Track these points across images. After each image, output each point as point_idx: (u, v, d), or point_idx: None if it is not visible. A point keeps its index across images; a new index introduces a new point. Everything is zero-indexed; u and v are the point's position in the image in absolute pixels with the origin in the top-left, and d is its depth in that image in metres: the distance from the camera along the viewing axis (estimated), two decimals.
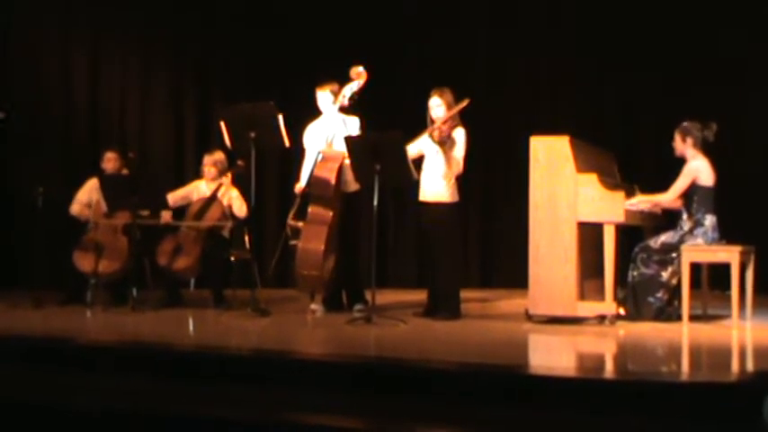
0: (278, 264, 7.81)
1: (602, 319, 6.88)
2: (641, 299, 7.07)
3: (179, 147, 10.44)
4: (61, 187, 8.53)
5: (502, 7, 10.23)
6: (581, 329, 6.78)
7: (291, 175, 8.52)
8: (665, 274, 7.03)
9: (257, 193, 7.57)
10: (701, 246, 6.98)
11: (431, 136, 7.26)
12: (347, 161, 7.37)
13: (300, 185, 7.68)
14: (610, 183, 7.08)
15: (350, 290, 7.73)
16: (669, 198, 7.16)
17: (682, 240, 7.01)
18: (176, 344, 6.12)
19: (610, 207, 6.84)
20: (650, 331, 6.68)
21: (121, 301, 7.95)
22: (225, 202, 8.24)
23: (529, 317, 7.03)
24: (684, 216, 7.11)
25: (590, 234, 6.99)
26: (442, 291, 7.34)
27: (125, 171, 8.43)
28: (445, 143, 7.25)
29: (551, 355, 6.22)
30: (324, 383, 5.03)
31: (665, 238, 7.10)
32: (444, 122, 7.22)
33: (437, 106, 7.29)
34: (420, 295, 7.79)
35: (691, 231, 7.04)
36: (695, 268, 7.01)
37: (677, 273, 6.96)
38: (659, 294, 7.04)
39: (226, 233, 8.31)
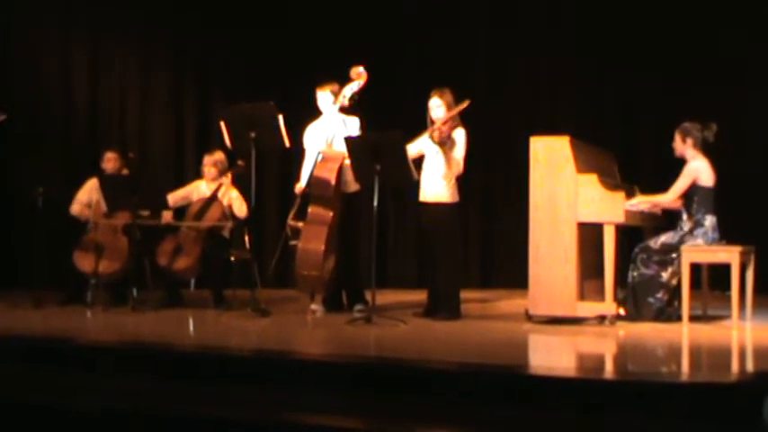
0: (278, 264, 7.81)
1: (602, 319, 6.89)
2: (641, 299, 7.07)
3: (179, 147, 10.44)
4: (61, 187, 8.53)
5: (502, 7, 10.23)
6: (581, 330, 6.78)
7: (291, 176, 8.52)
8: (665, 275, 7.04)
9: (257, 194, 7.57)
10: (701, 246, 6.98)
11: (431, 137, 7.26)
12: (347, 161, 7.37)
13: (300, 186, 7.68)
14: (610, 183, 7.08)
15: (350, 290, 7.73)
16: (669, 199, 7.16)
17: (682, 241, 7.02)
18: (176, 344, 6.12)
19: (610, 207, 6.84)
20: (650, 332, 6.68)
21: (122, 302, 7.95)
22: (225, 203, 8.24)
23: (529, 317, 7.03)
24: (684, 216, 7.11)
25: (590, 234, 6.99)
26: (442, 291, 7.34)
27: (125, 171, 8.43)
28: (445, 144, 7.25)
29: (551, 355, 6.22)
30: (324, 384, 5.03)
31: (665, 238, 7.10)
32: (444, 123, 7.22)
33: (437, 107, 7.29)
34: (420, 295, 7.79)
35: (691, 232, 7.04)
36: (695, 269, 7.02)
37: (677, 273, 6.96)
38: (659, 295, 7.04)
39: (226, 233, 8.31)
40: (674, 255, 7.01)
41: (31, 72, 10.12)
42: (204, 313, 7.72)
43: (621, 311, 7.02)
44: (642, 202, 7.26)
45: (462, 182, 7.44)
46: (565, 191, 6.90)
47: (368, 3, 10.17)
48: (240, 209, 8.21)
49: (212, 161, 8.37)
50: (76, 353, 5.82)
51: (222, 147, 8.21)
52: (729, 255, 6.87)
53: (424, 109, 7.39)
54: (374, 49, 9.30)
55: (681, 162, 7.15)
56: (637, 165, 9.40)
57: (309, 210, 7.52)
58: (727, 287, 6.89)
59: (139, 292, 7.86)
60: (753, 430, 4.23)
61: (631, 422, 4.35)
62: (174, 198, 8.25)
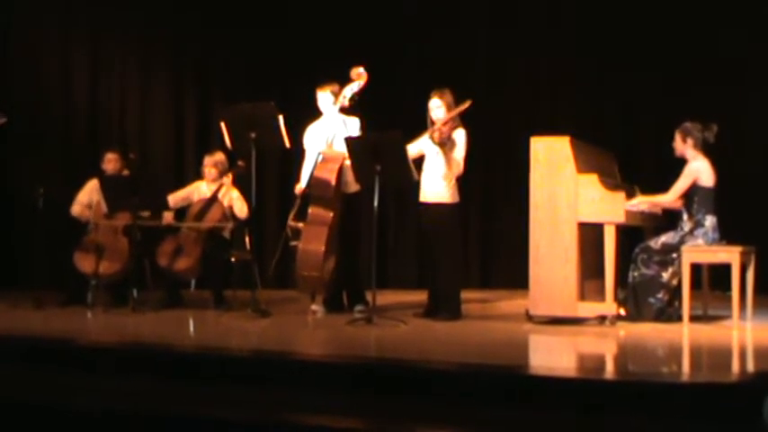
0: (278, 265, 7.82)
1: (602, 319, 6.89)
2: (642, 299, 7.07)
3: (179, 147, 10.44)
4: (61, 188, 8.53)
5: (502, 7, 10.23)
6: (581, 330, 6.78)
7: (292, 176, 8.52)
8: (665, 275, 7.03)
9: (258, 194, 7.57)
10: (701, 246, 6.98)
11: (431, 137, 7.25)
12: (347, 162, 7.37)
13: (301, 186, 7.68)
14: (610, 183, 7.07)
15: (350, 291, 7.73)
16: (670, 199, 7.16)
17: (682, 241, 7.02)
18: (177, 345, 6.13)
19: (610, 207, 6.84)
20: (651, 332, 6.68)
21: (122, 302, 7.95)
22: (225, 203, 8.24)
23: (529, 317, 7.03)
24: (685, 217, 7.11)
25: (590, 234, 6.99)
26: (442, 291, 7.34)
27: (126, 172, 8.43)
28: (445, 144, 7.24)
29: (552, 355, 6.22)
30: (324, 384, 5.03)
31: (665, 238, 7.10)
32: (444, 124, 7.22)
33: (437, 107, 7.29)
34: (420, 296, 7.79)
35: (691, 232, 7.04)
36: (696, 269, 7.02)
37: (678, 273, 6.96)
38: (660, 295, 7.04)
39: (226, 234, 8.31)
40: (674, 255, 7.01)
41: (31, 72, 10.12)
42: (204, 314, 7.72)
43: (622, 312, 7.02)
44: (642, 203, 7.26)
45: (462, 182, 7.44)
46: (565, 191, 6.90)
47: (368, 3, 10.17)
48: (241, 209, 8.21)
49: (213, 162, 8.37)
50: (77, 353, 5.82)
51: (222, 147, 8.21)
52: (730, 255, 6.87)
53: (424, 109, 7.39)
54: (374, 50, 9.30)
55: (681, 162, 7.15)
56: (637, 165, 9.40)
57: (310, 210, 7.52)
58: (728, 287, 6.89)
59: (140, 292, 7.86)
60: (753, 430, 4.23)
61: (632, 422, 4.35)
62: (174, 199, 8.25)
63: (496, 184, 10.18)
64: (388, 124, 7.77)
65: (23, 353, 5.86)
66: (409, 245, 10.20)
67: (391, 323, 6.86)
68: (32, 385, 5.37)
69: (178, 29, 10.41)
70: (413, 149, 7.29)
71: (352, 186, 7.60)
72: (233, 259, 8.17)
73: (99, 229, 8.28)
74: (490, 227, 10.26)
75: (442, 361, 5.40)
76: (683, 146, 7.14)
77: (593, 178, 6.89)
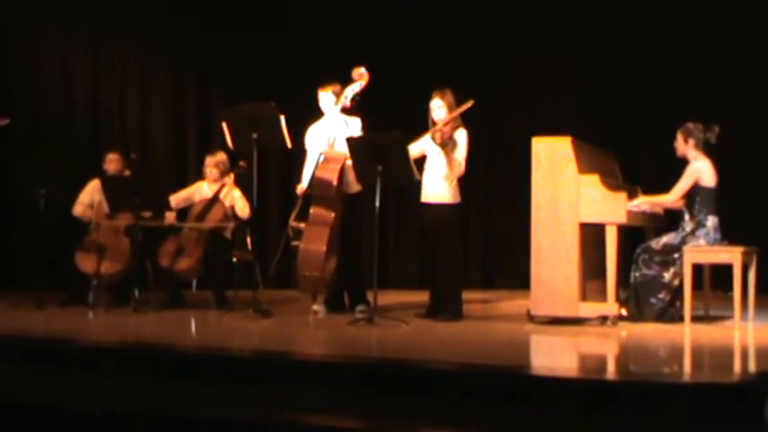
0: (280, 265, 7.81)
1: (604, 319, 6.88)
2: (643, 300, 7.07)
3: (180, 147, 10.44)
4: (62, 188, 8.52)
5: (502, 7, 10.22)
6: (583, 330, 6.78)
7: (293, 176, 8.52)
8: (666, 275, 7.03)
9: (259, 194, 7.57)
10: (703, 247, 6.98)
11: (432, 138, 7.25)
12: (349, 162, 7.37)
13: (302, 186, 7.68)
14: (612, 184, 7.07)
15: (352, 291, 7.73)
16: (671, 199, 7.16)
17: (684, 241, 7.01)
18: (178, 345, 6.13)
19: (612, 208, 6.84)
20: (652, 332, 6.68)
21: (123, 302, 7.95)
22: (227, 203, 8.24)
23: (531, 318, 7.02)
24: (686, 217, 7.11)
25: (592, 235, 6.98)
26: (443, 292, 7.33)
27: (127, 172, 8.43)
28: (447, 145, 7.24)
29: (553, 355, 6.22)
30: (325, 384, 5.03)
31: (666, 239, 7.10)
32: (446, 124, 7.22)
33: (438, 108, 7.29)
34: (422, 296, 7.79)
35: (693, 232, 7.04)
36: (697, 269, 7.02)
37: (679, 274, 6.96)
38: (661, 295, 7.04)
39: (228, 234, 8.31)
40: (675, 255, 7.00)
41: (31, 72, 10.12)
42: (206, 314, 7.71)
43: (623, 312, 7.01)
44: (644, 203, 7.25)
45: (464, 182, 7.44)
46: (567, 191, 6.89)
47: (368, 3, 10.16)
48: (243, 209, 8.20)
49: (214, 162, 8.37)
50: (78, 353, 5.82)
51: (224, 147, 8.21)
52: (731, 255, 6.87)
53: (425, 109, 7.38)
54: (375, 50, 9.30)
55: (682, 162, 7.15)
56: (638, 165, 9.39)
57: (311, 210, 7.51)
58: (729, 288, 6.89)
59: (141, 292, 7.86)
60: (754, 431, 4.23)
61: (633, 423, 4.35)
62: (176, 199, 8.25)
63: (497, 184, 10.18)
64: (389, 124, 7.77)
65: (24, 353, 5.86)
66: (410, 245, 10.20)
67: (392, 323, 6.86)
68: (33, 385, 5.37)
69: (178, 29, 10.41)
70: (414, 149, 7.28)
71: (354, 186, 7.60)
72: (234, 259, 8.16)
73: (100, 230, 8.29)
74: (491, 227, 10.27)
75: (444, 361, 5.40)
76: (685, 146, 7.14)
77: (594, 179, 6.89)
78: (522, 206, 7.24)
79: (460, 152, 7.28)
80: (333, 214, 7.47)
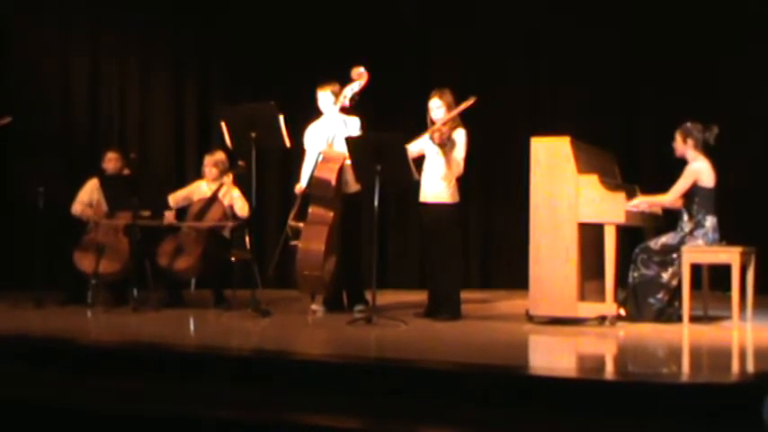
0: (278, 264, 7.82)
1: (602, 320, 6.89)
2: (642, 300, 7.07)
3: (179, 147, 10.44)
4: (62, 187, 8.52)
5: (502, 7, 10.22)
6: (581, 330, 6.78)
7: (292, 176, 8.53)
8: (665, 275, 7.04)
9: (258, 194, 7.57)
10: (701, 247, 6.98)
11: (431, 138, 7.25)
12: (348, 162, 7.37)
13: (301, 186, 7.68)
14: (611, 183, 7.07)
15: (350, 290, 7.73)
16: (670, 199, 7.17)
17: (682, 241, 7.02)
18: (177, 344, 6.12)
19: (611, 208, 6.84)
20: (651, 332, 6.68)
21: (122, 302, 7.95)
22: (226, 203, 8.24)
23: (529, 317, 7.03)
24: (685, 217, 7.11)
25: (590, 235, 6.99)
26: (442, 291, 7.34)
27: (126, 171, 8.44)
28: (445, 145, 7.24)
29: (552, 355, 6.22)
30: (324, 384, 5.04)
31: (665, 239, 7.10)
32: (444, 124, 7.22)
33: (437, 107, 7.29)
34: (420, 296, 7.79)
35: (691, 232, 7.04)
36: (696, 269, 7.02)
37: (678, 274, 6.97)
38: (660, 295, 7.04)
39: (226, 233, 8.32)
40: (674, 255, 7.01)
41: (31, 72, 10.12)
42: (205, 313, 7.72)
43: (622, 312, 7.01)
44: (642, 202, 7.25)
45: (462, 182, 7.44)
46: (565, 191, 6.89)
47: (368, 3, 10.16)
48: (242, 209, 8.21)
49: (213, 161, 8.38)
50: (77, 353, 5.82)
51: (223, 147, 8.22)
52: (730, 255, 6.87)
53: (424, 109, 7.39)
54: (374, 49, 9.30)
55: (681, 162, 7.15)
56: (637, 165, 9.40)
57: (310, 210, 7.52)
58: (728, 288, 6.89)
59: (140, 292, 7.85)
60: (753, 431, 4.23)
61: (631, 423, 4.36)
62: (175, 199, 8.26)
63: (496, 184, 10.17)
64: (388, 124, 7.78)
65: (23, 353, 5.86)
66: (409, 245, 10.20)
67: (391, 323, 6.86)
68: (32, 385, 5.37)
69: (178, 29, 10.41)
70: (413, 149, 7.29)
71: (353, 186, 7.60)
72: (233, 259, 8.17)
73: (99, 229, 8.29)
74: (490, 227, 10.27)
75: (442, 361, 5.40)
76: (684, 146, 7.14)
77: (593, 179, 6.89)
78: (520, 206, 7.24)
79: (459, 152, 7.28)
80: (331, 214, 7.48)
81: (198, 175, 8.72)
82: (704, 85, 9.39)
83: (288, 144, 7.44)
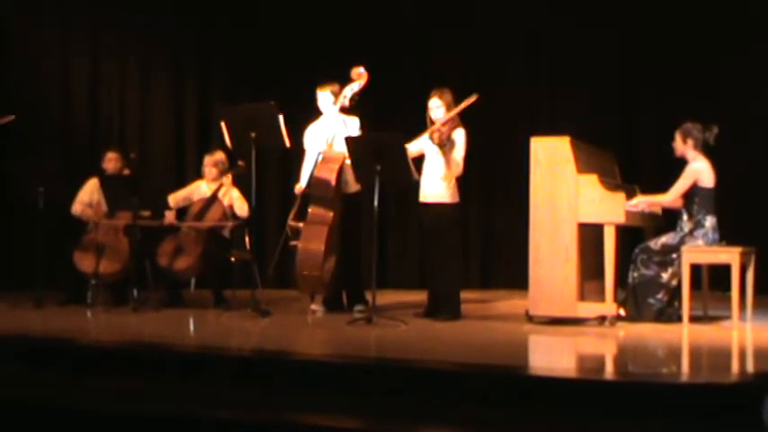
0: (278, 264, 7.82)
1: (602, 320, 6.89)
2: (641, 300, 7.07)
3: (179, 147, 10.44)
4: (62, 187, 8.52)
5: (502, 7, 10.22)
6: (581, 330, 6.78)
7: (292, 176, 8.52)
8: (665, 276, 7.04)
9: (258, 194, 7.57)
10: (701, 247, 6.98)
11: (431, 138, 7.25)
12: (348, 162, 7.37)
13: (301, 186, 7.68)
14: (610, 183, 7.08)
15: (350, 290, 7.73)
16: (669, 199, 7.17)
17: (682, 242, 7.02)
18: (177, 344, 6.13)
19: (610, 208, 6.84)
20: (650, 332, 6.68)
21: (122, 302, 7.95)
22: (226, 203, 8.24)
23: (529, 318, 7.03)
24: (685, 217, 7.12)
25: (590, 235, 6.99)
26: (442, 291, 7.34)
27: (126, 171, 8.44)
28: (445, 145, 7.24)
29: (551, 355, 6.22)
30: (324, 384, 5.04)
31: (665, 239, 7.11)
32: (444, 124, 7.22)
33: (437, 107, 7.29)
34: (420, 296, 7.79)
35: (691, 233, 7.04)
36: (695, 269, 7.02)
37: (677, 274, 6.97)
38: (659, 295, 7.04)
39: (226, 233, 8.32)
40: (674, 255, 7.01)
41: (31, 72, 10.12)
42: (204, 313, 7.72)
43: (622, 312, 7.02)
44: (642, 202, 7.25)
45: (462, 182, 7.44)
46: (565, 191, 6.90)
47: (368, 3, 10.16)
48: (242, 209, 8.21)
49: (213, 161, 8.38)
50: (77, 353, 5.82)
51: (223, 147, 8.22)
52: (730, 255, 6.87)
53: (424, 109, 7.39)
54: (374, 49, 9.30)
55: (681, 162, 7.15)
56: (637, 165, 9.40)
57: (310, 210, 7.52)
58: (728, 288, 6.89)
59: (140, 292, 7.85)
60: (753, 431, 4.23)
61: (631, 423, 4.36)
62: (175, 199, 8.26)
63: (496, 184, 10.17)
64: (388, 124, 7.77)
65: (23, 353, 5.86)
66: (409, 245, 10.20)
67: (391, 323, 6.87)
68: (32, 385, 5.37)
69: (178, 29, 10.41)
70: (413, 148, 7.29)
71: (353, 186, 7.60)
72: (233, 259, 8.17)
73: (99, 229, 8.29)
74: (490, 227, 10.27)
75: (442, 361, 5.40)
76: (684, 146, 7.14)
77: (593, 179, 6.89)
78: (520, 206, 7.24)
79: (459, 152, 7.28)
80: (331, 214, 7.48)
81: (198, 175, 8.72)
82: (704, 85, 9.39)
83: (288, 144, 7.44)
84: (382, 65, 8.64)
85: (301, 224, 7.52)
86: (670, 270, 7.02)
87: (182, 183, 8.92)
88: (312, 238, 7.41)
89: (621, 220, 6.85)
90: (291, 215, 7.65)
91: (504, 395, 4.69)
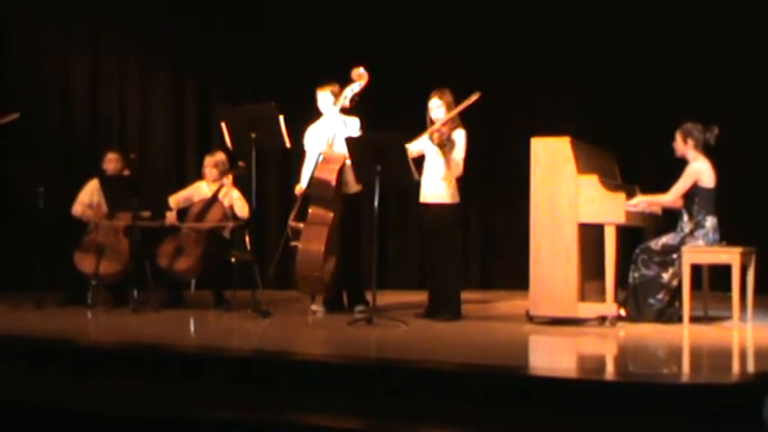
0: (279, 265, 7.81)
1: (602, 320, 6.89)
2: (642, 300, 7.07)
3: (180, 147, 10.44)
4: (62, 188, 8.52)
5: (502, 7, 10.22)
6: (582, 331, 6.78)
7: (292, 176, 8.53)
8: (665, 276, 7.04)
9: (258, 195, 7.57)
10: (701, 247, 6.98)
11: (430, 138, 7.25)
12: (348, 162, 7.37)
13: (301, 187, 7.68)
14: (611, 184, 7.07)
15: (351, 291, 7.73)
16: (669, 199, 7.17)
17: (682, 242, 7.02)
18: (177, 345, 6.13)
19: (611, 208, 6.84)
20: (651, 332, 6.68)
21: (122, 302, 7.95)
22: (226, 203, 8.24)
23: (530, 318, 7.03)
24: (685, 218, 7.11)
25: (591, 235, 6.99)
26: (442, 292, 7.34)
27: (126, 172, 8.44)
28: (445, 145, 7.24)
29: (552, 356, 6.22)
30: (324, 384, 5.04)
31: (665, 239, 7.10)
32: (444, 124, 7.21)
33: (437, 107, 7.29)
34: (421, 296, 7.79)
35: (691, 233, 7.04)
36: (696, 269, 7.02)
37: (678, 274, 6.96)
38: (660, 296, 7.04)
39: (227, 234, 8.32)
40: (674, 256, 7.01)
41: (31, 72, 10.12)
42: (205, 314, 7.71)
43: (622, 312, 7.01)
44: (642, 201, 7.25)
45: (462, 182, 7.44)
46: (565, 191, 6.90)
47: (368, 3, 10.16)
48: (242, 209, 8.21)
49: (213, 162, 8.38)
50: (77, 353, 5.82)
51: (223, 147, 8.22)
52: (730, 256, 6.87)
53: (424, 109, 7.39)
54: (374, 50, 9.30)
55: (681, 162, 7.15)
56: (637, 165, 9.40)
57: (310, 211, 7.52)
58: (728, 288, 6.89)
59: (140, 292, 7.85)
60: (753, 431, 4.23)
61: (632, 423, 4.35)
62: (176, 200, 8.27)
63: (496, 184, 10.17)
64: (388, 124, 7.77)
65: (23, 353, 5.86)
66: (409, 245, 10.19)
67: (391, 323, 6.86)
68: (32, 385, 5.37)
69: (178, 29, 10.41)
70: (413, 148, 7.28)
71: (353, 187, 7.60)
72: (233, 259, 8.17)
73: (100, 229, 8.29)
74: (490, 227, 10.26)
75: (443, 361, 5.40)
76: (684, 146, 7.14)
77: (593, 179, 6.89)
78: (521, 206, 7.24)
79: (459, 152, 7.28)
80: (331, 214, 7.48)
81: (198, 175, 8.72)
82: (704, 85, 9.38)
83: (288, 145, 7.44)
84: (382, 65, 8.63)
85: (302, 225, 7.52)
86: (670, 270, 7.02)
87: (182, 183, 8.92)
88: (312, 239, 7.40)
89: (622, 220, 6.85)
90: (292, 216, 7.64)
91: (504, 395, 4.69)
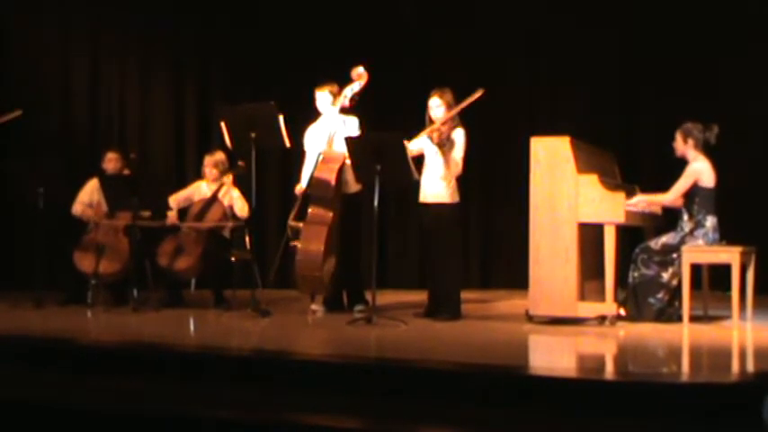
0: (279, 266, 7.81)
1: (602, 319, 6.89)
2: (642, 300, 7.07)
3: (179, 147, 10.44)
4: (62, 187, 8.52)
5: (502, 7, 10.22)
6: (581, 330, 6.78)
7: (292, 176, 8.53)
8: (665, 275, 7.04)
9: (258, 194, 7.57)
10: (701, 247, 6.98)
11: (430, 138, 7.24)
12: (348, 162, 7.37)
13: (301, 186, 7.68)
14: (610, 183, 7.07)
15: (350, 290, 7.73)
16: (669, 199, 7.17)
17: (682, 241, 7.02)
18: (177, 344, 6.13)
19: (610, 208, 6.84)
20: (651, 332, 6.68)
21: (122, 302, 7.96)
22: (226, 203, 8.24)
23: (529, 317, 7.03)
24: (685, 217, 7.11)
25: (590, 235, 6.99)
26: (442, 291, 7.34)
27: (126, 171, 8.44)
28: (444, 145, 7.24)
29: (552, 355, 6.22)
30: (324, 384, 5.04)
31: (665, 239, 7.10)
32: (443, 123, 7.21)
33: (437, 107, 7.29)
34: (420, 296, 7.79)
35: (691, 232, 7.04)
36: (696, 269, 7.02)
37: (678, 274, 6.97)
38: (660, 295, 7.04)
39: (226, 234, 8.32)
40: (674, 255, 7.01)
41: (31, 72, 10.12)
42: (205, 313, 7.72)
43: (622, 312, 7.02)
44: (641, 201, 7.25)
45: (462, 182, 7.44)
46: (565, 191, 6.90)
47: (368, 3, 10.16)
48: (242, 209, 8.21)
49: (213, 162, 8.38)
50: (77, 353, 5.82)
51: (223, 147, 8.22)
52: (730, 255, 6.87)
53: (424, 109, 7.38)
54: (374, 49, 9.29)
55: (681, 162, 7.15)
56: (637, 165, 9.40)
57: (309, 210, 7.52)
58: (728, 287, 6.89)
59: (140, 292, 7.85)
60: (753, 431, 4.23)
61: (631, 423, 4.36)
62: (176, 200, 8.27)
63: (496, 184, 10.17)
64: (388, 124, 7.76)
65: (23, 352, 5.86)
66: (409, 245, 10.20)
67: (391, 323, 6.86)
68: (32, 385, 5.37)
69: (178, 29, 10.41)
70: (413, 147, 7.28)
71: (353, 186, 7.60)
72: (233, 259, 8.17)
73: (99, 229, 8.29)
74: (490, 227, 10.27)
75: (442, 361, 5.40)
76: (684, 146, 7.14)
77: (593, 178, 6.89)
78: (520, 206, 7.24)
79: (458, 152, 7.28)
80: (331, 214, 7.47)
81: (198, 175, 8.72)
82: (704, 85, 9.39)
83: (288, 144, 7.44)
84: (382, 65, 8.63)
85: (301, 224, 7.52)
86: (670, 270, 7.02)
87: (182, 183, 8.92)
88: (312, 239, 7.40)
89: (621, 219, 6.85)
90: (292, 216, 7.64)
91: (504, 395, 4.69)
